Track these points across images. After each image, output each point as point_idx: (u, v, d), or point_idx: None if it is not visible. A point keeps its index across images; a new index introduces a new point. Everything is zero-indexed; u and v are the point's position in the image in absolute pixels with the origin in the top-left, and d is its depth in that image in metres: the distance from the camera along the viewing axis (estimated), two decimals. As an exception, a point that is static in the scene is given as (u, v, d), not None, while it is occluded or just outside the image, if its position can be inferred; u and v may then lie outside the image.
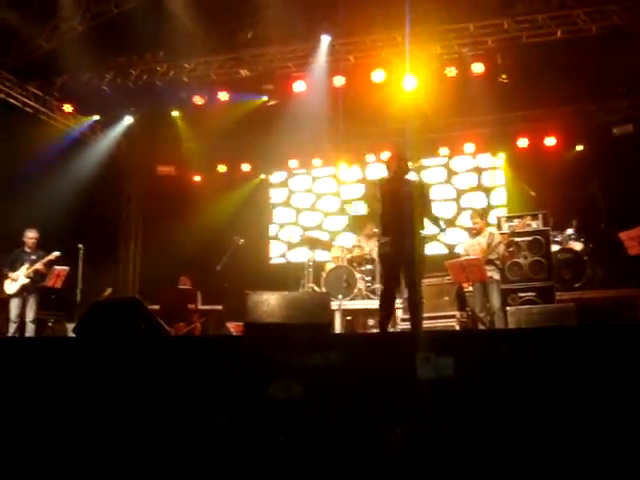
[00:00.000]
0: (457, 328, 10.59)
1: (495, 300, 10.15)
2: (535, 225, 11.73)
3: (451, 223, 15.21)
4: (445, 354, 4.68)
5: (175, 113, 14.60)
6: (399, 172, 8.04)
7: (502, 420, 4.48)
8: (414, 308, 7.84)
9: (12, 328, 10.94)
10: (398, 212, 7.79)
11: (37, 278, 11.20)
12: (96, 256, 12.32)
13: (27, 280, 11.06)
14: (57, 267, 11.35)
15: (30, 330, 11.00)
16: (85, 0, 12.29)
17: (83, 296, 11.61)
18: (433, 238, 15.17)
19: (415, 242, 7.80)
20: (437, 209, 14.99)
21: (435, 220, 8.45)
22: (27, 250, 11.33)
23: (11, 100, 13.38)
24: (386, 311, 7.98)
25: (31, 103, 13.78)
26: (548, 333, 5.22)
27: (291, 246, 14.06)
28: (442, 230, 8.86)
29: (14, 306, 11.04)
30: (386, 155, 15.22)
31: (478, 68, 12.45)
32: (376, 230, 12.77)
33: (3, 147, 11.93)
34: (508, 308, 9.55)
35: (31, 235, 11.38)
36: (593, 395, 4.41)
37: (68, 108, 14.12)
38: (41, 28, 12.39)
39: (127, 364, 5.25)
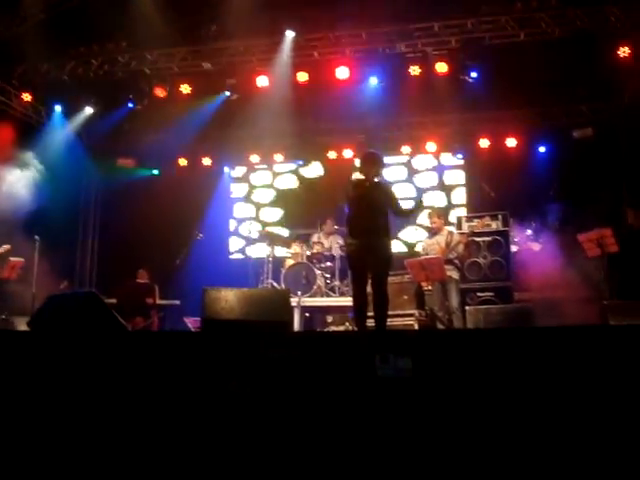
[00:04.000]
0: (416, 327, 10.61)
1: (454, 299, 10.18)
2: (495, 225, 11.79)
3: (412, 221, 15.25)
4: (403, 354, 4.66)
5: (136, 105, 14.40)
6: (370, 175, 8.05)
7: (459, 420, 4.48)
8: (379, 309, 7.87)
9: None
10: (366, 214, 7.86)
11: None
12: (53, 248, 12.14)
13: None
14: (12, 259, 11.18)
15: None
16: (47, -13, 12.10)
17: (38, 289, 11.44)
18: (393, 236, 15.25)
19: (381, 243, 7.87)
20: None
21: (406, 212, 8.59)
22: None
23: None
24: (361, 312, 7.97)
25: (-12, 91, 13.54)
26: (506, 334, 5.24)
27: (251, 242, 13.97)
28: (417, 207, 9.16)
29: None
30: (349, 153, 15.32)
31: (442, 67, 12.47)
32: (336, 227, 12.86)
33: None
34: (467, 307, 9.60)
35: None
36: (548, 396, 4.43)
37: (27, 97, 13.86)
38: (0, 15, 12.14)
39: (82, 359, 5.17)
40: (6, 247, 11.13)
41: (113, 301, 11.20)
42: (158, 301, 12.45)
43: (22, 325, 9.78)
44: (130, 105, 14.33)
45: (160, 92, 13.68)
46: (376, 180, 8.15)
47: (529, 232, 12.75)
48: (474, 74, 12.46)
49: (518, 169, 13.88)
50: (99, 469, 4.73)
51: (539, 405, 4.42)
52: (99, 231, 16.52)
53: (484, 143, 14.76)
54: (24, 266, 11.34)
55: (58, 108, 14.59)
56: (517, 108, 14.38)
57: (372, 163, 8.08)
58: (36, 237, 11.54)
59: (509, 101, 13.79)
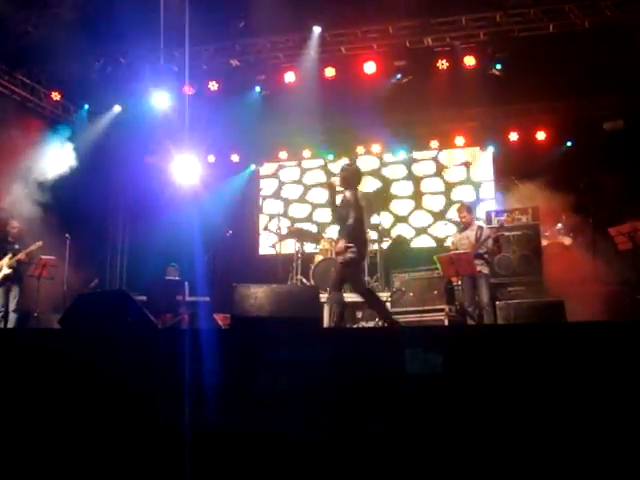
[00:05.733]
0: (446, 322, 10.58)
1: (484, 294, 10.10)
2: (524, 219, 11.69)
3: (441, 216, 15.27)
4: (434, 350, 4.63)
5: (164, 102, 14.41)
6: (358, 185, 8.55)
7: (491, 416, 4.44)
8: (375, 306, 8.87)
9: (-4, 317, 10.93)
10: (362, 222, 8.40)
11: (20, 268, 11.13)
12: (83, 246, 12.22)
13: (9, 270, 10.99)
14: (43, 257, 11.26)
15: (12, 320, 10.94)
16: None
17: (69, 286, 11.52)
18: (422, 231, 15.27)
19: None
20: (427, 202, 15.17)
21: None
22: (10, 240, 11.27)
23: (-2, 87, 13.25)
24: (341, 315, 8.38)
25: (19, 91, 13.62)
26: (537, 329, 5.19)
27: (280, 238, 13.98)
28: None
29: (-2, 295, 11.03)
30: (377, 148, 15.32)
31: (470, 61, 12.40)
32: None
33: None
34: (497, 302, 9.51)
35: (14, 224, 11.34)
36: (579, 393, 4.38)
37: (56, 96, 13.96)
38: (29, 13, 12.21)
39: (113, 357, 5.18)
40: (38, 244, 11.20)
41: (143, 298, 11.23)
42: (188, 298, 12.46)
43: (54, 323, 9.87)
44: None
45: (188, 90, 13.70)
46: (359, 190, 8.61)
47: (560, 226, 12.63)
48: (502, 67, 12.37)
49: (548, 162, 13.75)
50: (123, 462, 4.75)
51: (570, 401, 4.37)
52: (129, 228, 16.60)
53: (513, 136, 14.68)
54: (55, 264, 11.42)
55: (87, 107, 14.68)
56: (546, 101, 14.25)
57: (356, 174, 8.63)
58: (67, 235, 11.64)
59: (538, 94, 13.64)
